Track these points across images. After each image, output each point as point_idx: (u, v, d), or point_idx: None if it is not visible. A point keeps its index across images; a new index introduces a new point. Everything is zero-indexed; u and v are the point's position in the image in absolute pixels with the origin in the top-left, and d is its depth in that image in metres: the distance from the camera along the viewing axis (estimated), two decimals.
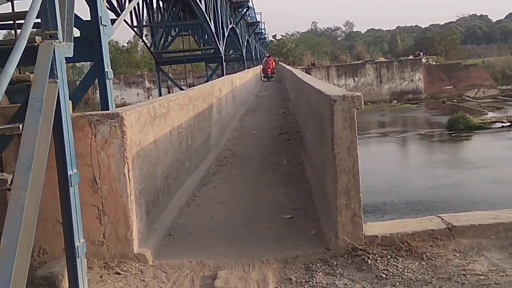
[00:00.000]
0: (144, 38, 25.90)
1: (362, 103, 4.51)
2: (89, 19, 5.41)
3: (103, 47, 5.37)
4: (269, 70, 39.62)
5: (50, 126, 3.60)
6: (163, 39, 23.45)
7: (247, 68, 34.63)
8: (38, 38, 3.80)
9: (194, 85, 31.16)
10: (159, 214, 5.72)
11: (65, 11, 4.08)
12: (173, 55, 26.05)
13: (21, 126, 3.53)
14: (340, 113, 4.51)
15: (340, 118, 4.51)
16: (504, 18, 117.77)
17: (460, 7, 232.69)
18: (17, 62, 3.34)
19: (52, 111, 3.65)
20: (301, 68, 39.24)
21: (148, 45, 23.87)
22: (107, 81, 5.44)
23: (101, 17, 5.36)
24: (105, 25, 5.42)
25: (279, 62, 51.28)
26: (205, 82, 24.94)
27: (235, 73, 24.57)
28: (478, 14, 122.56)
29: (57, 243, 4.51)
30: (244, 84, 20.65)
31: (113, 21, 6.27)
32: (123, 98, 50.99)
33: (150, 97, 53.07)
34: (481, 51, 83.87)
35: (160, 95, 23.06)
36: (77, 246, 3.97)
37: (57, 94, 3.75)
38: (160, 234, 5.37)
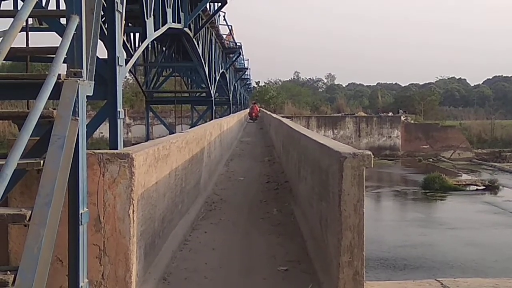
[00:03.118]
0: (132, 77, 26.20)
1: (372, 162, 4.57)
2: (106, 58, 5.47)
3: (117, 87, 5.41)
4: (253, 114, 48.94)
5: (69, 164, 3.60)
6: (155, 79, 23.64)
7: (233, 113, 34.95)
8: (63, 75, 3.83)
9: (175, 125, 31.67)
10: (154, 257, 5.66)
11: (89, 50, 4.13)
12: (163, 95, 26.25)
13: (42, 161, 3.52)
14: (350, 170, 4.56)
15: (349, 175, 4.56)
16: (482, 83, 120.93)
17: (439, 69, 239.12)
18: (47, 97, 3.36)
19: (72, 149, 3.66)
20: (286, 117, 39.68)
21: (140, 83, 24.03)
22: (119, 120, 5.45)
23: (118, 58, 5.41)
24: (121, 66, 5.47)
25: (261, 109, 53.79)
26: (192, 124, 25.14)
27: (221, 117, 24.73)
28: (457, 77, 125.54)
29: (54, 281, 4.41)
30: (230, 129, 20.75)
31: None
32: (101, 132, 50.61)
33: (129, 133, 52.81)
34: (458, 113, 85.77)
35: (147, 133, 23.13)
36: (81, 286, 3.92)
37: (77, 132, 3.76)
38: (156, 278, 5.32)
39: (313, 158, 6.70)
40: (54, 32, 8.26)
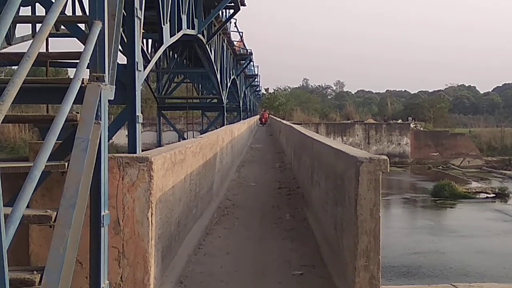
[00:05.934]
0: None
1: (388, 167, 4.61)
2: (125, 63, 5.55)
3: (136, 92, 5.49)
4: (263, 119, 55.71)
5: (93, 166, 3.66)
6: (167, 85, 23.83)
7: (243, 119, 35.09)
8: (85, 79, 3.90)
9: (185, 131, 31.89)
10: (171, 260, 5.72)
11: (111, 55, 4.20)
12: (175, 101, 26.50)
13: (66, 164, 3.59)
14: (366, 175, 4.60)
15: (365, 180, 4.60)
16: (492, 90, 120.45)
17: (448, 76, 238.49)
18: (72, 101, 3.43)
19: (95, 152, 3.73)
20: (295, 123, 39.80)
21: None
22: (137, 124, 5.53)
23: (137, 63, 5.50)
24: (140, 71, 5.55)
25: (270, 115, 57.76)
26: (203, 131, 25.29)
27: (231, 123, 24.85)
28: (467, 85, 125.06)
29: (74, 283, 4.45)
30: (240, 135, 20.82)
31: None
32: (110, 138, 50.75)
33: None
34: (468, 121, 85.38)
35: (159, 139, 23.30)
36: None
37: (99, 135, 3.83)
38: (173, 281, 5.37)
39: (327, 163, 6.74)
40: (56, 38, 8.42)
